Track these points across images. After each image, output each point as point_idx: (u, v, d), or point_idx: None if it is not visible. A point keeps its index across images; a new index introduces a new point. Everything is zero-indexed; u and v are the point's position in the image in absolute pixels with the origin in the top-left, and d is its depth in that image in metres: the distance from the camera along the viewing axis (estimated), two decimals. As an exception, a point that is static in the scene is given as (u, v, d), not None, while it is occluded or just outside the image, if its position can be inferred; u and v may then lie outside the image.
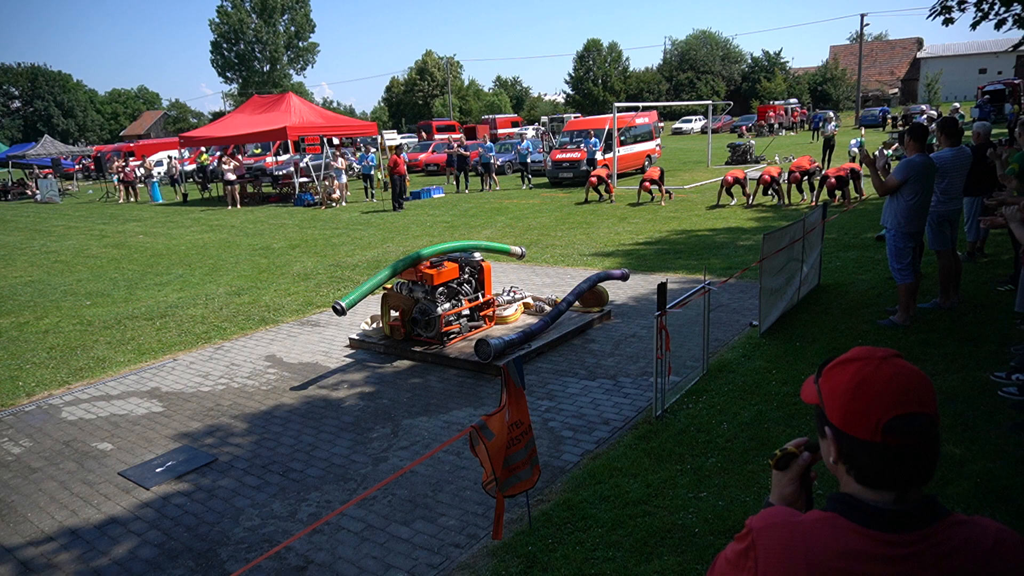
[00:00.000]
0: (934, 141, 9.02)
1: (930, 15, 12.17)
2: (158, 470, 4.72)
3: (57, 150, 36.67)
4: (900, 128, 33.73)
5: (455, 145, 24.32)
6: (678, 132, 55.85)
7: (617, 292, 8.50)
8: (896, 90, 73.17)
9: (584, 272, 9.68)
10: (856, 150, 16.99)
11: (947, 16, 11.82)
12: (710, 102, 28.39)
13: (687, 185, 19.62)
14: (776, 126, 39.23)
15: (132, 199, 27.22)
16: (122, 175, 27.57)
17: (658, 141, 25.66)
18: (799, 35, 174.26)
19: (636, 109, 25.13)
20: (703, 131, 50.11)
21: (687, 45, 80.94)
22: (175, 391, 6.22)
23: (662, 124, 30.58)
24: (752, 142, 27.10)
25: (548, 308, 7.47)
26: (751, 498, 3.81)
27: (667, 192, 16.85)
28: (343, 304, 6.07)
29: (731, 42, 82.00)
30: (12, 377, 6.81)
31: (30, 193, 32.06)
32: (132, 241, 16.01)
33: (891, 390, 1.11)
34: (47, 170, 34.41)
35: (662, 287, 4.86)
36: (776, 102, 54.62)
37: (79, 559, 3.78)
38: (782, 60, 77.44)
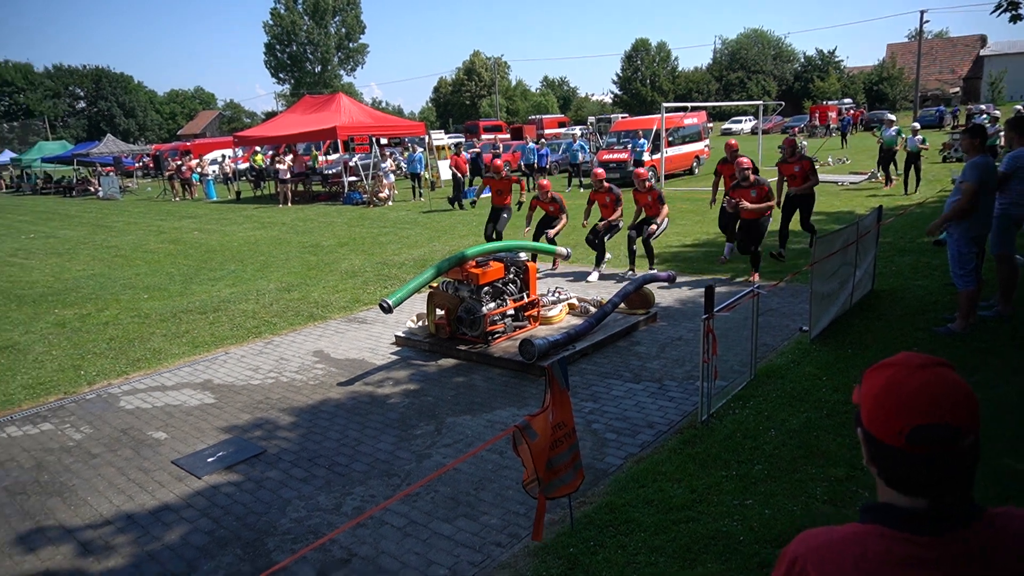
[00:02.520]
0: (998, 142, 8.68)
1: (995, 11, 11.68)
2: (209, 460, 4.85)
3: (119, 149, 38.01)
4: (960, 128, 32.53)
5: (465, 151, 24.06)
6: (727, 133, 54.91)
7: (663, 295, 8.41)
8: (957, 89, 70.58)
9: (630, 274, 9.61)
10: (895, 136, 16.40)
11: (1014, 12, 11.33)
12: (761, 102, 27.81)
13: (736, 187, 19.28)
14: (832, 127, 38.14)
15: (188, 196, 28.05)
16: (178, 173, 28.44)
17: (707, 142, 25.31)
18: (855, 33, 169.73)
19: (685, 109, 24.83)
20: (753, 132, 49.17)
21: (738, 44, 79.62)
22: (226, 384, 6.39)
23: (711, 125, 30.13)
24: (804, 143, 26.49)
25: (593, 309, 7.43)
26: (798, 507, 3.72)
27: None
28: (390, 302, 6.15)
29: (783, 41, 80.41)
30: (75, 366, 7.09)
31: (93, 190, 33.34)
32: (188, 237, 16.49)
33: (919, 398, 1.09)
34: (109, 168, 35.68)
35: (709, 290, 4.79)
36: (830, 102, 53.29)
37: (134, 543, 3.91)
38: (836, 59, 75.48)
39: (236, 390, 6.21)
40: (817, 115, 44.66)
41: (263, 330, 8.07)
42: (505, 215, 11.18)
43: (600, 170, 10.42)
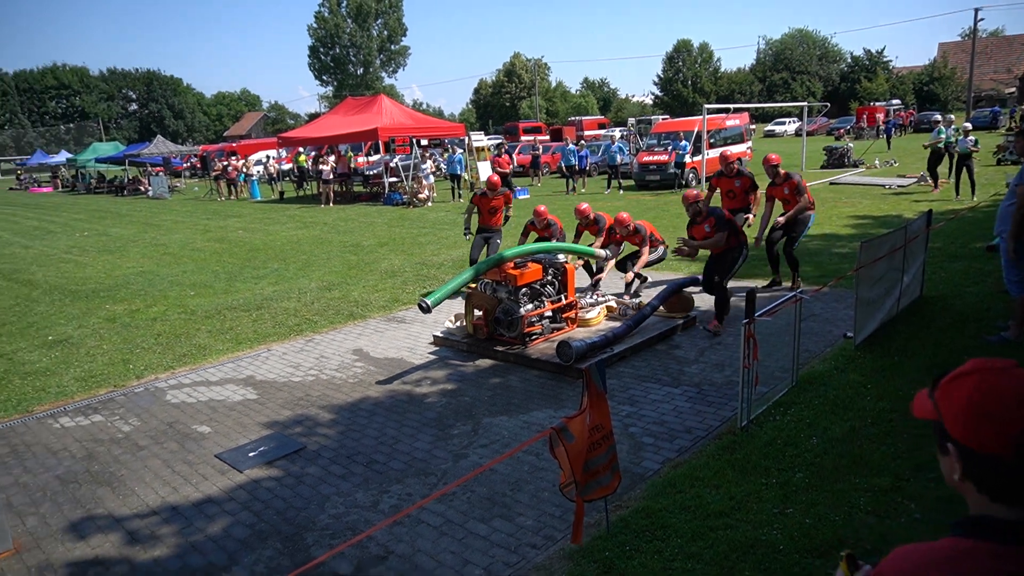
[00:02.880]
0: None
1: None
2: (251, 454, 4.95)
3: (168, 149, 39.10)
4: (1015, 130, 31.41)
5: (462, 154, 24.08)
6: (771, 135, 54.01)
7: (703, 298, 8.30)
8: (1013, 89, 68.18)
9: (669, 276, 9.52)
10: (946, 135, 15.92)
11: None
12: (805, 103, 27.29)
13: (779, 189, 18.95)
14: (883, 129, 37.16)
15: (233, 196, 28.68)
16: (224, 174, 29.11)
17: (749, 144, 24.94)
18: (904, 32, 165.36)
19: (727, 111, 24.51)
20: (797, 133, 48.28)
21: (782, 44, 78.24)
22: (268, 380, 6.51)
23: (754, 126, 29.68)
24: (850, 145, 25.90)
25: (632, 312, 7.38)
26: (840, 518, 3.64)
27: None
28: (428, 302, 6.20)
29: (829, 41, 78.72)
30: (124, 360, 7.31)
31: (143, 189, 34.34)
32: (232, 236, 16.86)
33: (1022, 400, 1.04)
34: (158, 168, 36.72)
35: (751, 294, 4.72)
36: (878, 103, 52.00)
37: (178, 533, 4.01)
38: (885, 59, 73.61)
39: (277, 386, 6.33)
40: (865, 117, 43.56)
41: (304, 328, 8.21)
42: (498, 240, 9.68)
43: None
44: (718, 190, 9.40)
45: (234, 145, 44.86)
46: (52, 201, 34.89)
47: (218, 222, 20.24)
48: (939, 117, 18.59)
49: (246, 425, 5.50)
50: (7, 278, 12.83)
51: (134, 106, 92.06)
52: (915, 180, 18.34)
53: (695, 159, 21.03)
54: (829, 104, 37.83)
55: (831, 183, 19.92)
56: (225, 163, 30.36)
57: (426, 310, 6.21)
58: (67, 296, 10.75)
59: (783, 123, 55.25)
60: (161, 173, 34.45)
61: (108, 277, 12.24)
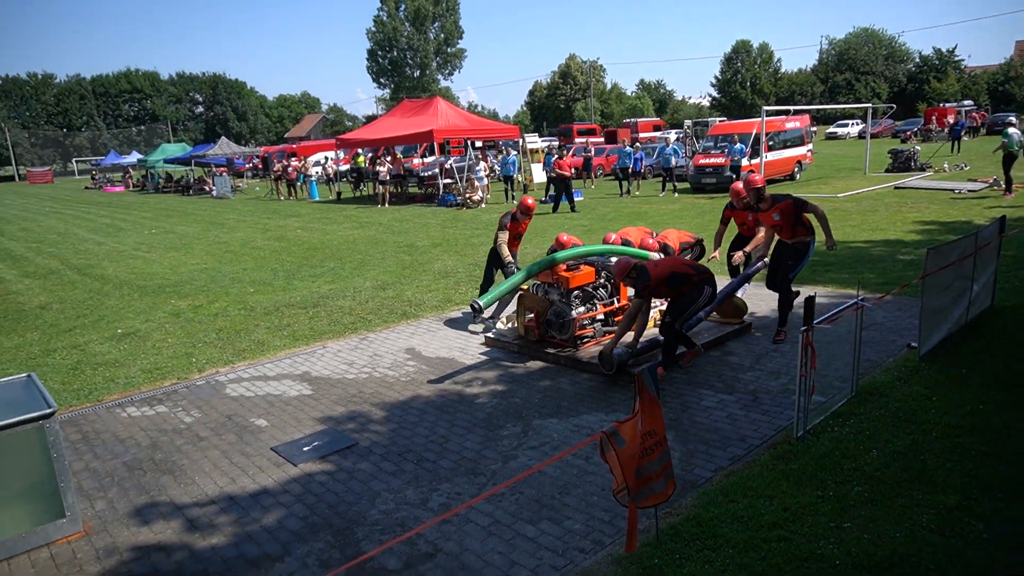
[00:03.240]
0: None
1: None
2: (305, 449, 5.07)
3: (231, 150, 40.40)
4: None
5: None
6: (832, 137, 52.49)
7: (759, 304, 8.14)
8: (1097, 90, 64.66)
9: (722, 281, 9.33)
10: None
11: None
12: (869, 105, 26.45)
13: (841, 194, 18.42)
14: (953, 131, 35.61)
15: (292, 196, 29.41)
16: (284, 174, 29.90)
17: (810, 146, 24.29)
18: (978, 30, 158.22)
19: (787, 112, 23.93)
20: (861, 136, 46.79)
21: (846, 44, 75.99)
22: (323, 376, 6.65)
23: (815, 128, 28.85)
24: (918, 148, 24.98)
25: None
26: (902, 534, 3.51)
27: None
28: (480, 303, 6.24)
29: (896, 40, 76.05)
30: (187, 354, 7.57)
31: (208, 189, 35.53)
32: (291, 235, 17.29)
33: None
34: (222, 168, 37.96)
35: (810, 301, 4.59)
36: (948, 104, 49.98)
37: (235, 523, 4.14)
38: (956, 58, 70.75)
39: (332, 383, 6.46)
40: (934, 118, 41.91)
41: (359, 326, 8.36)
42: (514, 268, 7.94)
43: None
44: (732, 220, 8.23)
45: (294, 146, 46.04)
46: (123, 200, 36.42)
47: (277, 221, 20.78)
48: (1014, 119, 17.78)
49: (301, 420, 5.63)
50: (81, 273, 13.45)
51: (200, 109, 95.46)
52: (987, 184, 17.57)
53: (753, 162, 20.58)
54: (895, 106, 36.51)
55: (896, 187, 19.25)
56: (285, 164, 31.17)
57: (478, 311, 6.25)
58: (135, 291, 11.20)
59: (845, 125, 53.65)
60: (225, 173, 35.60)
61: (173, 273, 12.71)
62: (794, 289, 7.03)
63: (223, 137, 47.45)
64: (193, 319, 9.12)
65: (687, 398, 5.57)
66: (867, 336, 6.27)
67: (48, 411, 3.98)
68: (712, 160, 21.14)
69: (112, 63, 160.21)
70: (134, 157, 54.25)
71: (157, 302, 10.27)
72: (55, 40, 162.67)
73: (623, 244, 7.55)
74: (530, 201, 8.00)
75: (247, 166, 45.55)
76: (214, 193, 33.75)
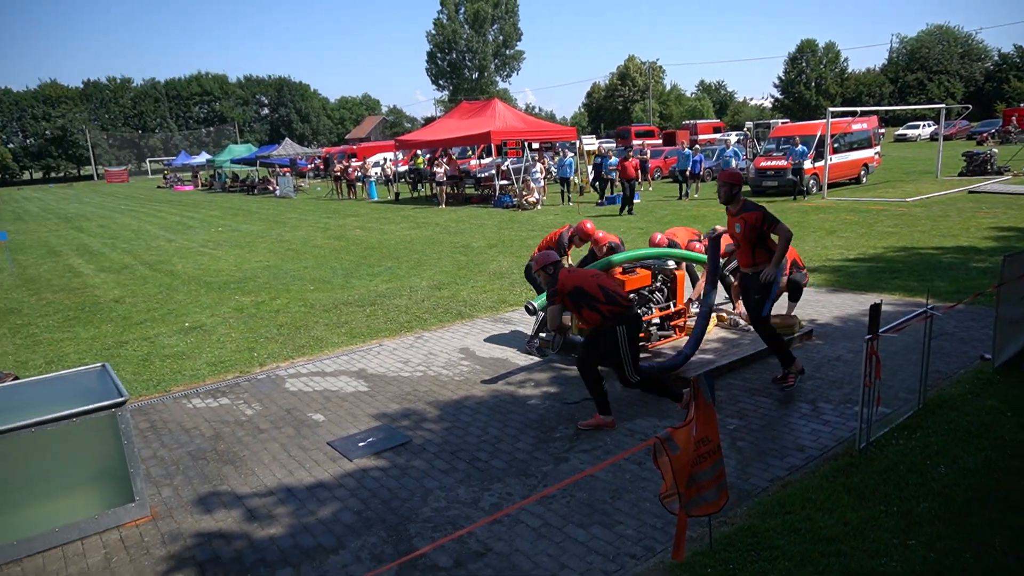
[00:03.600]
0: None
1: None
2: (360, 444, 5.16)
3: (294, 151, 41.49)
4: None
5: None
6: (901, 139, 50.57)
7: (821, 311, 7.91)
8: None
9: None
10: None
11: None
12: (943, 105, 25.38)
13: (910, 198, 17.75)
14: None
15: (351, 196, 30.02)
16: (344, 175, 30.56)
17: (877, 149, 23.47)
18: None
19: (853, 114, 23.18)
20: (932, 138, 44.98)
21: (918, 42, 73.18)
22: (379, 374, 6.76)
23: (883, 130, 27.82)
24: (995, 151, 23.85)
25: (743, 322, 7.13)
26: (970, 554, 3.36)
27: None
28: (535, 304, 6.23)
29: (973, 37, 72.84)
30: (249, 348, 7.81)
31: (271, 188, 36.56)
32: (350, 234, 17.65)
33: None
34: (286, 169, 39.04)
35: (875, 308, 4.44)
36: (1028, 105, 47.61)
37: (292, 514, 4.24)
38: (1039, 56, 67.30)
39: (387, 380, 6.57)
40: (1014, 119, 39.93)
41: (414, 325, 8.47)
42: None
43: (587, 223, 7.30)
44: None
45: (354, 147, 47.02)
46: (192, 198, 37.83)
47: (337, 221, 21.24)
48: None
49: (357, 416, 5.74)
50: (152, 268, 14.03)
51: (266, 110, 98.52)
52: (1071, 190, 16.66)
53: (817, 164, 20.01)
54: (970, 106, 34.95)
55: (970, 191, 18.44)
56: (345, 164, 31.84)
57: (533, 312, 6.25)
58: (202, 286, 11.62)
59: (916, 127, 51.61)
60: (288, 173, 36.61)
61: (238, 270, 13.13)
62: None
63: (287, 138, 48.81)
64: (255, 315, 9.40)
65: (743, 405, 5.45)
66: (936, 346, 6.02)
67: (120, 400, 4.17)
68: (774, 163, 20.64)
69: (184, 67, 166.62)
70: (203, 157, 56.33)
71: (222, 298, 10.63)
72: (133, 45, 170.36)
73: (670, 245, 7.40)
74: (588, 226, 7.30)
75: (309, 166, 46.70)
76: (277, 193, 34.71)
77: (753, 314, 5.64)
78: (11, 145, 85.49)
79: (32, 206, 39.55)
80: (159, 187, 52.97)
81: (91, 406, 4.06)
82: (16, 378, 5.00)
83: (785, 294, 7.04)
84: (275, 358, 7.44)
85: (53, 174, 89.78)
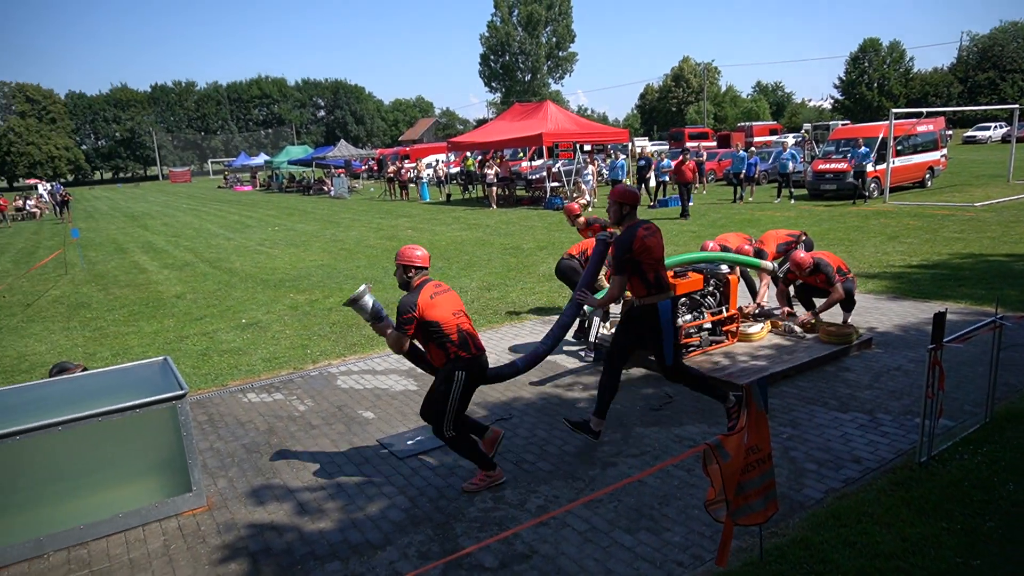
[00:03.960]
0: None
1: None
2: (409, 443, 5.22)
3: (349, 153, 42.27)
4: None
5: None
6: (970, 141, 48.55)
7: (881, 318, 7.66)
8: None
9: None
10: None
11: None
12: (1016, 106, 24.26)
13: (978, 202, 17.03)
14: None
15: (404, 197, 30.41)
16: (396, 176, 31.00)
17: (944, 151, 22.60)
18: None
19: (919, 115, 22.37)
20: (1004, 140, 43.07)
21: (991, 40, 70.15)
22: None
23: (950, 132, 26.80)
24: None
25: (797, 329, 6.96)
26: (1040, 577, 3.20)
27: None
28: (585, 307, 6.20)
29: (1052, 35, 69.45)
30: (303, 345, 7.98)
31: (326, 189, 37.34)
32: (402, 235, 17.87)
33: None
34: (340, 170, 39.79)
35: (939, 317, 4.27)
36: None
37: (341, 509, 4.32)
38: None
39: (436, 380, 6.62)
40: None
41: (463, 326, 8.52)
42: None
43: (574, 204, 7.99)
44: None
45: (407, 149, 47.62)
46: (251, 198, 38.90)
47: (390, 221, 21.54)
48: None
49: (406, 414, 5.81)
50: (212, 266, 14.49)
51: (322, 112, 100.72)
52: None
53: (878, 167, 19.39)
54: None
55: (1045, 197, 17.59)
56: (399, 166, 32.30)
57: (584, 316, 6.22)
58: (259, 284, 11.93)
59: (987, 128, 49.44)
60: (342, 174, 37.30)
61: (293, 268, 13.44)
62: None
63: (342, 140, 49.76)
64: (309, 313, 9.60)
65: (797, 414, 5.32)
66: (1006, 358, 5.75)
67: (180, 392, 4.32)
68: (833, 165, 20.07)
69: (245, 70, 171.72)
70: (261, 158, 57.92)
71: (277, 295, 10.89)
72: (198, 50, 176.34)
73: (722, 250, 7.34)
74: (575, 206, 8.02)
75: (363, 168, 47.52)
76: (332, 193, 35.42)
77: (658, 365, 4.92)
78: (84, 147, 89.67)
79: (102, 205, 41.32)
80: (219, 187, 54.64)
81: (153, 398, 4.22)
82: (85, 369, 5.23)
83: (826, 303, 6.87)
84: (327, 355, 7.59)
85: (122, 174, 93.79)
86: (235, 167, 63.66)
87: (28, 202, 34.82)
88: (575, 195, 21.49)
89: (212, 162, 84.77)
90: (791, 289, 7.24)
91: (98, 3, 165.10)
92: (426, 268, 4.56)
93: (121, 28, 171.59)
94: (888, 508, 3.87)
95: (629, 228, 4.73)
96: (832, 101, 78.19)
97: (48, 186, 47.15)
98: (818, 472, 4.42)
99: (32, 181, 62.57)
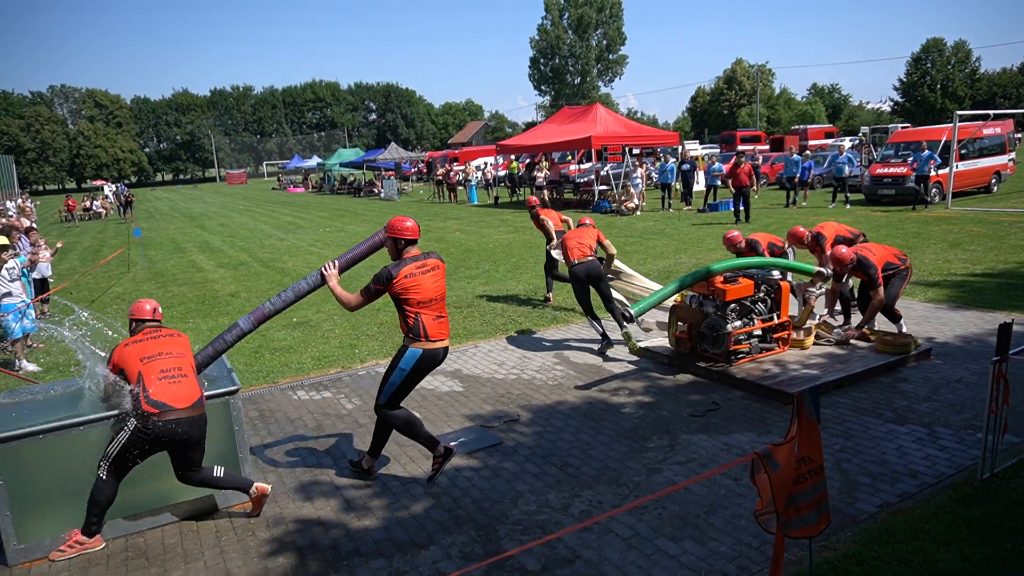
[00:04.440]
0: None
1: None
2: (452, 444, 5.23)
3: (399, 156, 42.81)
4: None
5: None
6: (1041, 144, 46.45)
7: (941, 328, 7.38)
8: None
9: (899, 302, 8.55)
10: None
11: None
12: (1092, 109, 23.10)
13: (1049, 209, 16.28)
14: None
15: (452, 200, 30.65)
16: (445, 178, 31.28)
17: (1012, 155, 21.67)
18: None
19: (985, 117, 21.51)
20: (1078, 144, 41.05)
21: (1064, 40, 66.95)
22: (474, 375, 6.86)
23: (1020, 135, 25.68)
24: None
25: (842, 336, 6.76)
26: (1112, 603, 3.04)
27: None
28: (632, 312, 6.15)
29: None
30: (351, 345, 8.11)
31: (376, 191, 37.89)
32: (450, 237, 18.01)
33: None
34: (390, 172, 40.32)
35: (1005, 328, 4.10)
36: None
37: (386, 508, 4.37)
38: None
39: (481, 381, 6.65)
40: None
41: (510, 328, 8.54)
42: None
43: (533, 197, 9.54)
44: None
45: (456, 152, 47.98)
46: (303, 200, 39.74)
47: (438, 223, 21.73)
48: None
49: (451, 415, 5.85)
50: (265, 265, 14.85)
51: (373, 116, 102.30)
52: None
53: (941, 172, 18.70)
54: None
55: (1121, 203, 16.71)
56: (447, 169, 32.58)
57: (629, 320, 6.17)
58: (310, 284, 12.16)
59: (1059, 131, 47.25)
60: (392, 177, 37.80)
61: (343, 269, 13.66)
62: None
63: (392, 143, 50.40)
64: (358, 313, 9.74)
65: (850, 425, 5.17)
66: (1076, 372, 5.48)
67: (234, 388, 4.44)
68: (891, 169, 19.44)
69: (300, 75, 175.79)
70: (314, 161, 59.13)
71: (328, 295, 11.03)
72: (256, 55, 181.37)
73: (748, 246, 7.51)
74: (534, 198, 9.71)
75: (412, 170, 48.07)
76: (382, 195, 35.92)
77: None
78: (147, 149, 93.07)
79: (162, 205, 42.78)
80: (273, 188, 55.97)
81: (208, 393, 4.34)
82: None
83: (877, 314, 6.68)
84: (375, 355, 7.69)
85: (181, 176, 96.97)
86: (288, 169, 65.14)
87: (95, 203, 36.28)
88: (623, 198, 21.32)
89: (267, 164, 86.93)
90: (854, 290, 7.05)
91: (164, 12, 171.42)
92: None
93: (183, 35, 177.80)
94: (947, 526, 3.72)
95: (398, 263, 4.75)
96: (891, 103, 75.83)
97: (113, 187, 49.02)
98: (872, 485, 4.29)
99: (99, 183, 65.17)
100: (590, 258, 7.35)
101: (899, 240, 13.22)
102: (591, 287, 7.36)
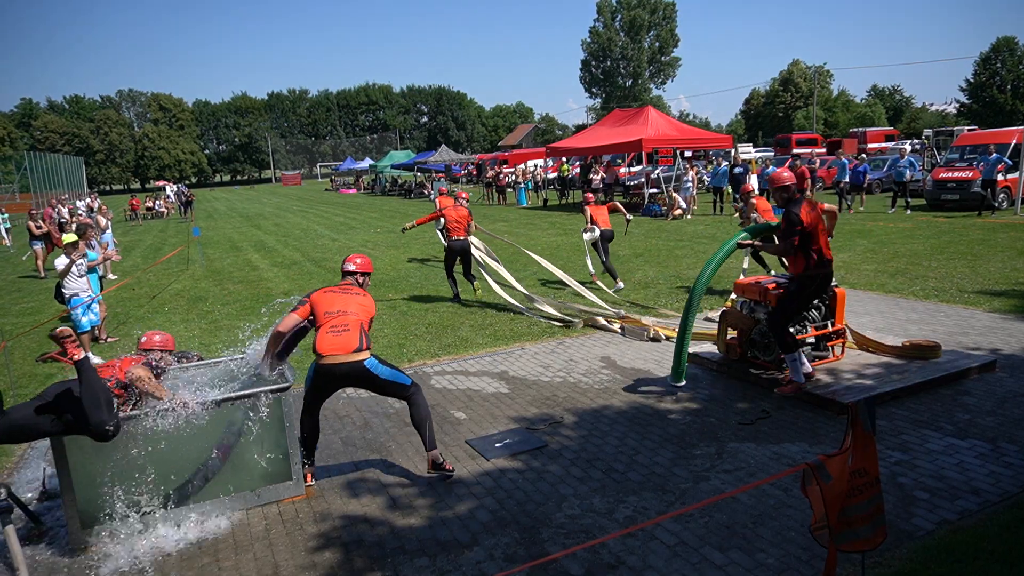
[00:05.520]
0: None
1: None
2: (497, 445, 5.26)
3: (449, 158, 43.08)
4: None
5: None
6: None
7: (1007, 339, 7.08)
8: None
9: (961, 311, 8.24)
10: None
11: None
12: None
13: None
14: None
15: (501, 202, 30.76)
16: (495, 181, 31.42)
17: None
18: None
19: (1059, 120, 20.52)
20: None
21: None
22: (519, 377, 6.87)
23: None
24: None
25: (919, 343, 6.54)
26: None
27: None
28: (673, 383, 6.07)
29: None
30: (399, 344, 8.21)
31: (426, 192, 38.27)
32: (497, 240, 18.06)
33: None
34: (441, 174, 40.71)
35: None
36: None
37: (431, 507, 4.41)
38: None
39: (527, 384, 6.65)
40: None
41: (556, 331, 8.52)
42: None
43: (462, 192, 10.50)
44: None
45: (505, 155, 48.13)
46: (355, 201, 40.45)
47: (487, 225, 21.80)
48: None
49: (496, 416, 5.87)
50: (317, 264, 15.16)
51: (425, 118, 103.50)
52: None
53: (1010, 176, 17.93)
54: None
55: None
56: (497, 171, 32.72)
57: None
58: (360, 284, 12.36)
59: None
60: (442, 178, 38.15)
61: (392, 269, 13.86)
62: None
63: (443, 145, 50.89)
64: (407, 313, 9.87)
65: (907, 438, 4.99)
66: None
67: (286, 385, 4.54)
68: (956, 174, 18.73)
69: (354, 78, 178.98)
70: (366, 163, 60.06)
71: (377, 295, 11.25)
72: (312, 58, 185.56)
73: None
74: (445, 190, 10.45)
75: (462, 172, 48.40)
76: (432, 197, 36.27)
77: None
78: (207, 151, 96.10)
79: (220, 205, 44.09)
80: (326, 190, 57.11)
81: (260, 389, 4.45)
82: (200, 358, 5.59)
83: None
84: (423, 355, 7.77)
85: (239, 177, 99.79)
86: (341, 171, 66.35)
87: (157, 202, 37.64)
88: (673, 205, 21.03)
89: (320, 166, 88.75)
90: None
91: (225, 18, 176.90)
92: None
93: (243, 40, 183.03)
94: (1011, 546, 3.56)
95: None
96: (957, 105, 73.03)
97: (174, 188, 50.72)
98: (930, 501, 4.13)
99: (161, 183, 67.55)
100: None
101: (963, 247, 12.72)
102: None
